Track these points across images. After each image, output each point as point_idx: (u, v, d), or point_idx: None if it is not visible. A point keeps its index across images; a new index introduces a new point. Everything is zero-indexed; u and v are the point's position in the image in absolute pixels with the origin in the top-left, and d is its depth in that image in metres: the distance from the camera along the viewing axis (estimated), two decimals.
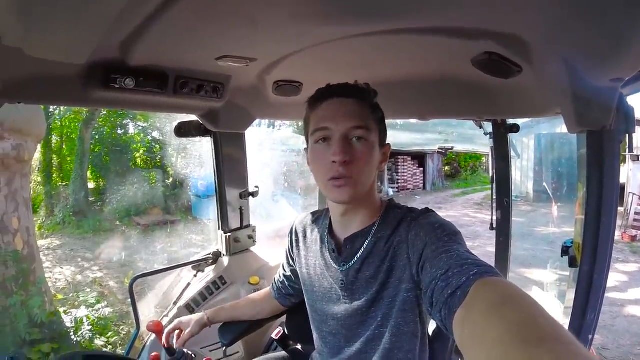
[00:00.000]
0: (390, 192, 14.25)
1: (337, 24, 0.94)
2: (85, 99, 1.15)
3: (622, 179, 8.77)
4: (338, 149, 0.90)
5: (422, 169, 16.09)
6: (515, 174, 12.31)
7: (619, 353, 4.10)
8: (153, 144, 11.89)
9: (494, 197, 1.88)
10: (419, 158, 15.77)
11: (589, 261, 1.00)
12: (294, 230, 1.21)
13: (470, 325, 0.56)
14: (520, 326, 0.47)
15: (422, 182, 16.27)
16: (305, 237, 1.16)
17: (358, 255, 0.99)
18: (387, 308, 0.95)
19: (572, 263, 1.10)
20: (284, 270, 1.29)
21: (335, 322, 1.04)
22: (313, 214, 1.20)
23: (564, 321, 1.09)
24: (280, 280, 1.32)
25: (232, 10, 0.84)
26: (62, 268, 6.72)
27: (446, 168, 18.94)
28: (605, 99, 0.89)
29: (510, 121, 1.75)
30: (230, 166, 1.81)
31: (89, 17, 0.75)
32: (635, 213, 8.65)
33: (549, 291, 4.42)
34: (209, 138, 1.76)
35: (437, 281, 0.72)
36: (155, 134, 11.96)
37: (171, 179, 11.26)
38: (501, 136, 1.76)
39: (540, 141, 12.58)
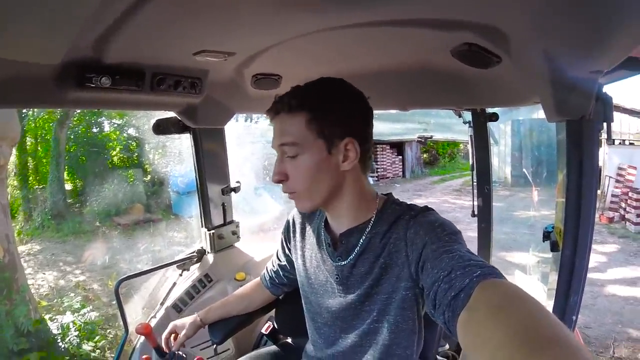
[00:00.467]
0: (370, 181, 14.22)
1: (316, 15, 0.92)
2: (61, 100, 1.11)
3: (599, 162, 9.01)
4: (274, 170, 0.95)
5: (400, 157, 16.17)
6: (493, 160, 12.52)
7: (601, 331, 4.24)
8: (129, 142, 11.64)
9: (475, 184, 1.91)
10: (398, 146, 15.82)
11: (570, 245, 1.02)
12: (291, 221, 1.21)
13: (474, 327, 0.57)
14: (524, 329, 0.47)
15: (401, 170, 16.36)
16: (302, 229, 1.16)
17: (353, 251, 0.98)
18: (382, 304, 0.95)
19: (553, 247, 1.12)
20: (279, 259, 1.29)
21: (330, 315, 1.05)
22: None
23: (548, 303, 1.12)
24: (274, 269, 1.31)
25: (209, 3, 0.81)
26: (44, 274, 6.57)
27: (424, 155, 19.03)
28: (585, 89, 0.90)
29: (489, 110, 1.78)
30: (211, 162, 1.78)
31: (62, 16, 0.72)
32: (612, 195, 8.91)
33: (532, 274, 4.54)
34: (188, 134, 1.73)
35: (440, 283, 0.71)
36: (132, 131, 11.71)
37: (149, 177, 11.09)
38: (480, 125, 1.79)
39: (517, 127, 12.82)
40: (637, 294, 5.20)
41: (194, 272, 1.80)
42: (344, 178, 0.96)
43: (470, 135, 1.90)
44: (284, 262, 1.27)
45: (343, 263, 0.99)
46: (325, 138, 0.91)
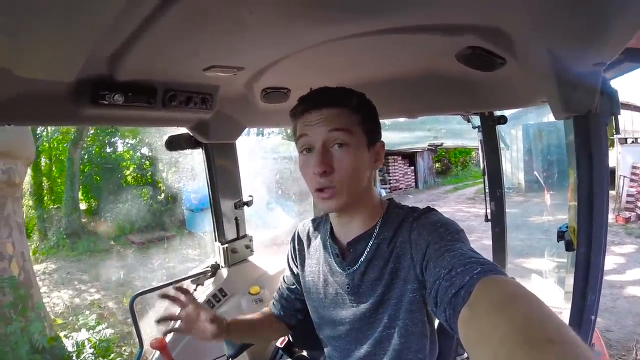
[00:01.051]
0: (383, 192, 14.14)
1: (322, 27, 0.94)
2: (75, 117, 1.14)
3: (612, 163, 8.87)
4: (317, 160, 0.90)
5: (412, 167, 16.10)
6: (506, 166, 12.41)
7: (622, 334, 4.13)
8: (143, 161, 11.81)
9: (487, 189, 1.90)
10: (409, 157, 15.79)
11: (585, 243, 1.01)
12: (295, 238, 1.20)
13: (475, 324, 0.57)
14: (525, 326, 0.47)
15: (413, 180, 16.27)
16: (308, 245, 1.16)
17: (362, 258, 0.98)
18: (393, 309, 0.94)
19: (568, 247, 1.12)
20: (286, 283, 1.24)
21: (343, 327, 1.03)
22: (313, 221, 1.19)
23: (566, 305, 1.11)
24: (284, 296, 1.24)
25: (218, 20, 0.84)
26: (59, 292, 6.64)
27: (437, 165, 18.98)
28: (589, 83, 0.90)
29: (498, 113, 1.77)
30: (223, 177, 1.80)
31: (76, 33, 0.74)
32: (627, 195, 8.75)
33: (549, 278, 4.46)
34: (200, 150, 1.76)
35: (441, 281, 0.71)
36: (145, 150, 11.88)
37: (163, 195, 11.18)
38: (489, 128, 1.78)
39: (527, 131, 12.70)
40: None
41: (209, 286, 1.81)
42: (369, 180, 0.98)
43: (480, 140, 1.89)
44: (293, 285, 1.21)
45: (353, 269, 0.99)
46: (368, 136, 0.95)
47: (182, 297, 1.09)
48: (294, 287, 1.22)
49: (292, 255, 1.21)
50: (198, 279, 1.79)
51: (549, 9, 0.74)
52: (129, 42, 0.88)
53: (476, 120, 1.86)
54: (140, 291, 1.58)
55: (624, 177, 8.92)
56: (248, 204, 1.90)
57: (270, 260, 2.03)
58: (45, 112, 1.09)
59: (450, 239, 0.82)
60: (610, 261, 6.04)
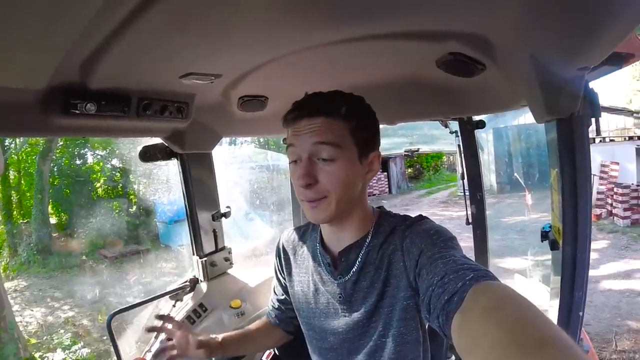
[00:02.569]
0: None
1: (303, 33, 0.91)
2: (45, 127, 1.07)
3: None
4: (301, 172, 0.88)
5: (385, 173, 16.44)
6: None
7: (601, 327, 4.26)
8: (113, 172, 11.59)
9: (466, 193, 1.91)
10: (383, 163, 15.63)
11: (570, 242, 1.02)
12: (281, 248, 1.17)
13: (468, 330, 0.57)
14: (517, 330, 0.47)
15: (387, 186, 16.57)
16: (295, 254, 1.13)
17: (354, 268, 0.97)
18: (387, 317, 0.93)
19: (553, 246, 1.13)
20: (277, 294, 1.22)
21: (335, 337, 1.01)
22: (298, 229, 1.16)
23: (552, 303, 1.13)
24: (276, 306, 1.23)
25: (197, 25, 0.80)
26: (32, 310, 6.40)
27: (409, 170, 19.29)
28: (573, 87, 0.90)
29: (476, 118, 1.78)
30: (200, 188, 1.74)
31: (48, 38, 0.69)
32: (598, 192, 9.06)
33: (533, 277, 4.55)
34: (175, 161, 1.70)
35: (434, 287, 0.71)
36: (115, 162, 11.61)
37: (135, 207, 10.95)
38: (468, 133, 1.80)
39: (499, 135, 13.02)
40: (633, 286, 5.26)
41: (188, 302, 1.73)
42: (361, 191, 0.96)
43: (458, 145, 1.91)
44: (282, 297, 1.20)
45: (345, 279, 0.97)
46: (360, 148, 0.91)
47: (168, 325, 1.08)
48: (283, 297, 1.20)
49: (278, 267, 1.18)
50: (177, 295, 1.72)
51: (534, 15, 0.74)
52: (103, 47, 0.83)
53: (454, 125, 1.87)
54: (118, 309, 1.49)
55: (594, 175, 9.23)
56: (226, 215, 1.85)
57: (251, 272, 1.98)
58: (12, 122, 1.02)
59: (443, 246, 0.82)
60: None
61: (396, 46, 1.03)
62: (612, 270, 5.85)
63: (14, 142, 10.54)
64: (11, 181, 10.70)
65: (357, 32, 0.93)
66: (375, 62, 1.22)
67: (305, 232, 1.13)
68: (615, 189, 8.67)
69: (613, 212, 8.60)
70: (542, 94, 0.91)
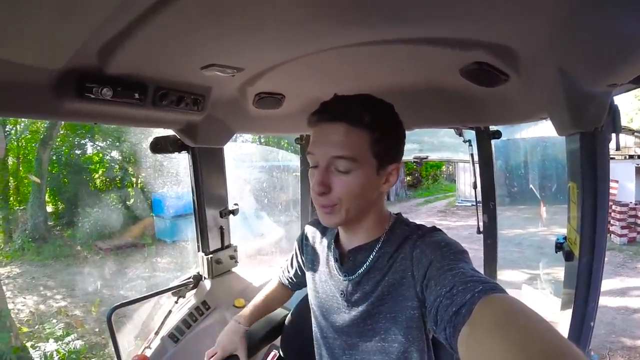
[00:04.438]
0: None
1: (331, 33, 0.90)
2: (57, 110, 1.03)
3: None
4: (317, 180, 0.89)
5: None
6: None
7: (595, 343, 4.24)
8: (113, 165, 11.49)
9: (479, 202, 1.91)
10: None
11: (587, 253, 1.03)
12: (303, 235, 1.21)
13: (475, 343, 0.56)
14: (526, 344, 0.46)
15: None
16: (315, 243, 1.16)
17: (360, 269, 0.97)
18: (389, 323, 0.92)
19: (568, 257, 1.13)
20: (290, 271, 1.30)
21: (335, 329, 1.03)
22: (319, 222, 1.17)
23: (564, 312, 1.14)
24: (290, 276, 1.31)
25: (225, 16, 0.78)
26: (24, 298, 6.33)
27: (408, 178, 19.24)
28: (600, 102, 0.90)
29: (493, 128, 1.77)
30: (209, 183, 1.71)
31: (72, 17, 0.68)
32: None
33: (545, 287, 4.55)
34: (186, 154, 1.67)
35: (442, 299, 0.70)
36: (115, 154, 11.56)
37: (132, 200, 10.89)
38: (485, 143, 1.78)
39: (500, 149, 13.04)
40: (627, 303, 5.26)
41: (190, 299, 1.71)
42: (376, 199, 0.96)
43: (471, 154, 1.90)
44: (296, 270, 1.28)
45: (350, 279, 0.99)
46: (380, 160, 0.90)
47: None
48: (295, 271, 1.29)
49: (299, 250, 1.24)
50: (179, 291, 1.69)
51: (566, 31, 0.73)
52: (126, 33, 0.81)
53: (468, 134, 1.86)
54: (118, 303, 1.47)
55: None
56: (234, 212, 1.82)
57: (255, 271, 1.95)
58: (24, 103, 0.98)
59: (453, 258, 0.81)
60: None
61: (421, 51, 1.03)
62: (607, 287, 5.83)
63: (14, 128, 10.52)
64: (9, 167, 10.62)
65: (385, 35, 0.92)
66: (397, 66, 1.21)
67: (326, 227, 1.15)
68: (613, 207, 8.66)
69: (610, 229, 8.58)
70: (568, 107, 0.91)
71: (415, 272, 0.87)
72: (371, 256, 0.97)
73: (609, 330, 4.54)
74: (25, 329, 4.67)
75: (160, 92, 1.17)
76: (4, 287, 5.80)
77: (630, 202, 8.98)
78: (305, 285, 1.22)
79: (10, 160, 10.63)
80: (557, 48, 0.80)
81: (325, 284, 1.07)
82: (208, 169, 1.69)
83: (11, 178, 10.66)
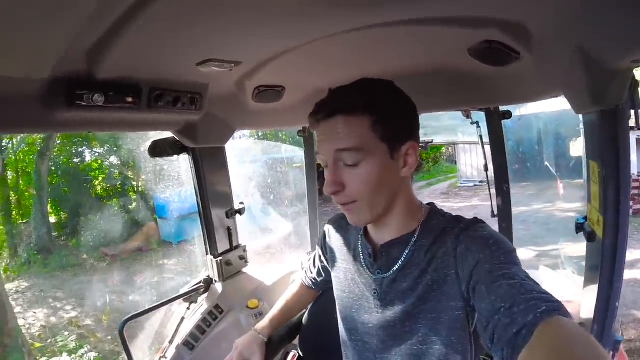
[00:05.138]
0: None
1: (334, 17, 0.84)
2: (48, 122, 0.98)
3: (579, 152, 9.13)
4: (328, 180, 0.84)
5: None
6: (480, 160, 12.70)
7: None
8: (112, 170, 11.54)
9: (490, 185, 1.88)
10: None
11: (611, 234, 1.00)
12: (325, 234, 1.15)
13: None
14: None
15: None
16: (339, 239, 1.09)
17: (395, 266, 0.90)
18: (430, 325, 0.85)
19: (590, 237, 1.10)
20: (313, 271, 1.26)
21: (366, 331, 0.95)
22: (343, 217, 1.10)
23: (587, 292, 1.12)
24: (313, 276, 1.26)
25: (218, 10, 0.73)
26: (34, 312, 6.32)
27: None
28: (621, 79, 0.85)
29: (502, 108, 1.72)
30: (213, 184, 1.65)
31: (53, 22, 0.63)
32: None
33: (567, 267, 4.54)
34: (187, 156, 1.61)
35: (500, 316, 0.66)
36: (114, 159, 11.58)
37: (134, 204, 10.92)
38: (495, 124, 1.73)
39: (508, 127, 12.93)
40: (636, 275, 5.24)
41: (202, 303, 1.66)
42: (400, 186, 0.89)
43: (480, 136, 1.84)
44: (319, 270, 1.23)
45: (383, 276, 0.91)
46: (389, 142, 0.83)
47: None
48: (318, 272, 1.23)
49: (322, 248, 1.18)
50: (190, 297, 1.64)
51: (586, 7, 0.69)
52: (113, 33, 0.75)
53: (476, 116, 1.80)
54: (131, 315, 1.42)
55: None
56: (240, 212, 1.76)
57: (266, 269, 1.91)
58: (11, 117, 0.92)
59: (504, 260, 0.75)
60: None
61: (427, 32, 0.99)
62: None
63: (11, 142, 10.55)
64: (9, 181, 10.63)
65: (390, 17, 0.87)
66: (402, 50, 1.16)
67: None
68: None
69: None
70: (587, 85, 0.86)
71: (459, 270, 0.81)
72: (406, 251, 0.89)
73: (620, 304, 4.53)
74: (37, 344, 4.65)
75: (155, 94, 1.11)
76: (13, 303, 5.79)
77: (633, 174, 8.94)
78: (330, 285, 1.15)
79: (10, 175, 10.67)
80: (577, 25, 0.76)
81: (352, 283, 1.00)
82: (210, 170, 1.63)
83: (12, 192, 10.68)
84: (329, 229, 1.14)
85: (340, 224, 1.10)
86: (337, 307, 1.07)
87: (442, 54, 1.18)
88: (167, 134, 1.52)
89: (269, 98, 1.43)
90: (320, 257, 1.20)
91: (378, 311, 0.92)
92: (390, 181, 0.85)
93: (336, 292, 1.07)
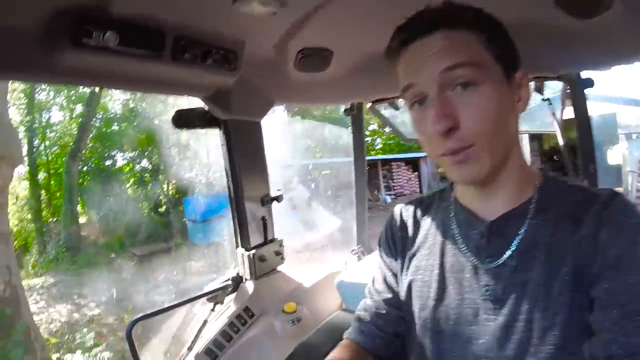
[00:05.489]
0: (388, 199, 14.42)
1: None
2: (46, 66, 0.80)
3: (618, 159, 8.76)
4: (434, 114, 0.60)
5: (416, 173, 16.35)
6: None
7: None
8: (144, 174, 12.07)
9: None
10: (413, 163, 16.05)
11: None
12: (394, 226, 0.84)
13: None
14: None
15: (417, 186, 16.41)
16: (416, 232, 0.80)
17: (511, 248, 0.64)
18: (573, 332, 0.57)
19: None
20: (379, 293, 0.83)
21: (468, 352, 0.64)
22: (419, 201, 0.85)
23: None
24: (379, 313, 0.81)
25: None
26: (57, 307, 6.39)
27: (439, 170, 18.94)
28: None
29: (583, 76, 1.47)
30: (247, 165, 1.42)
31: None
32: (637, 190, 8.54)
33: None
34: (217, 130, 1.39)
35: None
36: (145, 163, 11.99)
37: (164, 207, 11.12)
38: (579, 94, 1.47)
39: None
40: None
41: (230, 305, 1.42)
42: (516, 129, 0.67)
43: (553, 113, 1.60)
44: (391, 294, 0.81)
45: (498, 264, 0.64)
46: (505, 63, 0.63)
47: None
48: (391, 297, 0.81)
49: (388, 251, 0.84)
50: (216, 296, 1.41)
51: None
52: None
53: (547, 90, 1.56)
54: (140, 315, 1.20)
55: (633, 172, 8.65)
56: (278, 199, 1.52)
57: (303, 269, 1.66)
58: (4, 59, 0.75)
59: None
60: None
61: None
62: None
63: (43, 143, 11.00)
64: (41, 181, 11.01)
65: None
66: (478, 4, 0.95)
67: (430, 204, 0.81)
68: None
69: None
70: None
71: (599, 259, 0.57)
72: (524, 227, 0.64)
73: None
74: (54, 340, 4.60)
75: (181, 43, 0.92)
76: (38, 297, 5.84)
77: None
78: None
79: (42, 175, 11.10)
80: None
81: (443, 285, 0.70)
82: (244, 148, 1.40)
83: (43, 192, 11.07)
84: (398, 223, 0.83)
85: (416, 214, 0.82)
86: (420, 327, 0.73)
87: (523, 7, 0.98)
88: (195, 104, 1.32)
89: (314, 65, 1.23)
90: (387, 264, 0.84)
91: (489, 319, 0.63)
92: (509, 116, 0.64)
93: (416, 302, 0.75)
